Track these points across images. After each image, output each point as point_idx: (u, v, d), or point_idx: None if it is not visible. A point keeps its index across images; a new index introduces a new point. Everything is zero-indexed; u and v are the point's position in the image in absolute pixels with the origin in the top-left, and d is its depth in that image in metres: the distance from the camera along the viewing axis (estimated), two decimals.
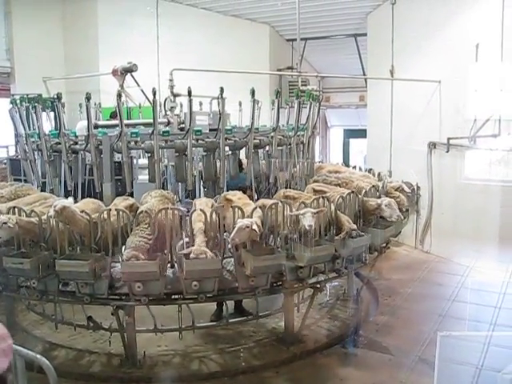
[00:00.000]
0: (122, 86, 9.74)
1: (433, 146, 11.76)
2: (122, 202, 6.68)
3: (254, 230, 5.65)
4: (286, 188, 8.20)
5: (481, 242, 10.16)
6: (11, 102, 8.65)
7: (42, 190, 8.34)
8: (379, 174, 9.71)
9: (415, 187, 10.86)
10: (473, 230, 10.63)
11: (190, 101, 7.59)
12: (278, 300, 7.45)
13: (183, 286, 5.76)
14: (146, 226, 5.98)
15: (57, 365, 1.34)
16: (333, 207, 6.72)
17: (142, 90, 9.98)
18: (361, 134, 17.02)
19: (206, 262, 5.58)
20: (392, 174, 11.87)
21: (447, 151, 11.27)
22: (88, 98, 7.68)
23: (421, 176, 11.75)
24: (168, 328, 6.86)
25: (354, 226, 6.61)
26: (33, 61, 13.61)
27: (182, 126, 8.90)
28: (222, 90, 7.58)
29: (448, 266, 10.60)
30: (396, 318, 8.26)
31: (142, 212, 6.12)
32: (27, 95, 8.75)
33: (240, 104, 10.15)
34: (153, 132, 7.41)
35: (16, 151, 11.01)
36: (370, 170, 10.16)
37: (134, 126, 8.75)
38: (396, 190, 8.40)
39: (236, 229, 5.66)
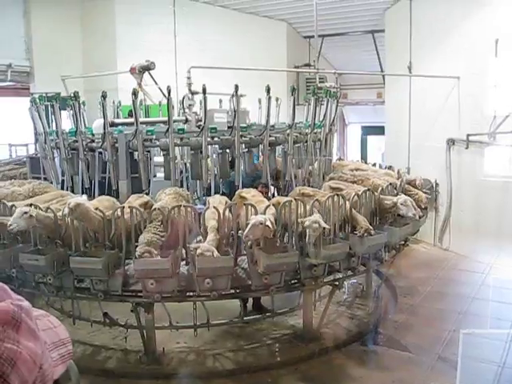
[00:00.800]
0: (140, 85, 9.77)
1: (452, 142, 11.65)
2: (136, 200, 6.73)
3: (268, 226, 5.64)
4: (304, 185, 8.20)
5: (501, 239, 10.06)
6: (31, 101, 8.74)
7: (61, 188, 8.40)
8: (398, 172, 9.64)
9: (434, 184, 10.78)
10: (493, 228, 10.52)
11: (205, 98, 7.61)
12: (298, 297, 7.43)
13: (196, 283, 5.79)
14: (159, 223, 6.00)
15: (77, 361, 1.34)
16: (348, 205, 6.68)
17: (160, 88, 10.00)
18: (378, 130, 16.92)
19: (217, 259, 5.61)
20: (410, 170, 11.79)
21: (466, 148, 11.16)
22: (104, 97, 7.74)
23: (440, 173, 11.67)
24: (183, 325, 6.88)
25: (370, 227, 6.57)
26: (51, 60, 13.70)
27: (200, 123, 8.92)
28: (236, 87, 7.58)
29: (468, 264, 10.50)
30: (415, 315, 8.21)
31: (155, 209, 6.15)
32: (46, 94, 8.82)
33: (259, 101, 10.13)
34: (167, 130, 7.44)
35: (35, 149, 11.11)
36: (390, 167, 10.05)
37: (154, 123, 8.79)
38: (409, 184, 8.40)
39: (250, 225, 5.66)
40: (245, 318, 7.17)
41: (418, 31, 12.44)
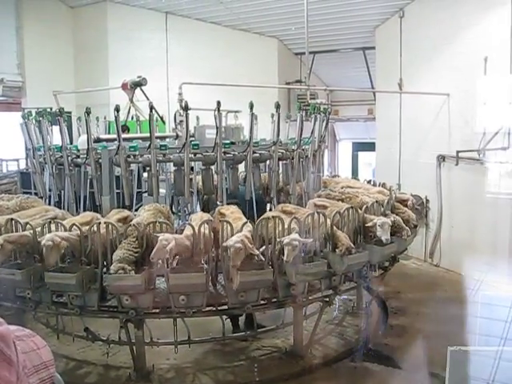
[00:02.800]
0: (131, 100, 9.82)
1: (442, 158, 11.73)
2: (115, 215, 6.75)
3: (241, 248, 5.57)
4: (298, 202, 8.19)
5: (491, 255, 10.09)
6: (22, 117, 8.76)
7: (55, 203, 8.42)
8: (390, 189, 9.56)
9: (424, 200, 10.81)
10: (483, 244, 10.56)
11: (187, 115, 7.65)
12: (291, 314, 7.38)
13: (171, 300, 5.76)
14: (134, 239, 5.97)
15: (64, 377, 1.33)
16: (328, 223, 6.53)
17: (152, 104, 10.02)
18: (369, 147, 17.01)
19: (190, 276, 5.64)
20: (401, 187, 11.85)
21: (456, 164, 11.24)
22: (88, 113, 7.81)
23: (430, 189, 11.73)
24: (163, 341, 6.81)
25: (352, 244, 6.41)
26: (43, 75, 13.73)
27: (192, 139, 8.94)
28: (218, 103, 7.55)
29: (458, 280, 10.53)
30: (406, 332, 8.21)
31: (130, 225, 6.13)
32: (38, 109, 8.84)
33: (256, 118, 10.06)
34: (149, 146, 7.47)
35: (26, 164, 11.10)
36: (384, 184, 9.95)
37: (147, 139, 8.81)
38: (401, 202, 8.32)
39: (231, 253, 5.61)
40: (226, 336, 7.01)
41: (408, 48, 12.57)
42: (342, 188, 8.93)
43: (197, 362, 7.07)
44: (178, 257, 5.98)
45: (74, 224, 6.11)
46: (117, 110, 7.56)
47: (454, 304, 9.03)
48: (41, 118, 8.38)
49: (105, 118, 10.99)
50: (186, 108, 7.61)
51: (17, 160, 13.22)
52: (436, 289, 10.20)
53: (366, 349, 7.52)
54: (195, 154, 7.75)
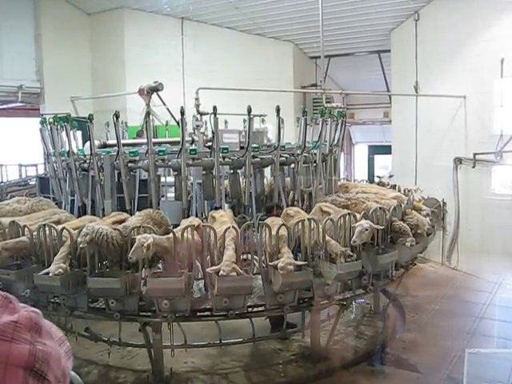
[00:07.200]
0: (148, 105, 9.90)
1: (458, 161, 11.68)
2: (111, 218, 6.85)
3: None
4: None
5: (509, 258, 10.03)
6: (41, 122, 8.92)
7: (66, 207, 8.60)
8: (407, 193, 9.31)
9: (441, 203, 10.77)
10: (501, 246, 10.50)
11: (182, 120, 7.70)
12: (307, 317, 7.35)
13: (155, 304, 5.75)
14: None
15: (85, 380, 1.37)
16: (320, 230, 6.33)
17: (168, 109, 10.13)
18: (385, 150, 16.93)
19: (168, 281, 5.66)
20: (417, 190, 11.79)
21: (473, 166, 11.19)
22: (90, 119, 7.96)
23: (447, 192, 11.67)
24: (164, 345, 6.76)
25: (343, 248, 6.20)
26: (61, 81, 13.90)
27: (209, 144, 8.99)
28: (214, 108, 7.59)
29: (475, 283, 10.46)
30: (423, 335, 8.17)
31: (115, 229, 6.15)
32: (56, 115, 8.99)
33: (283, 121, 10.03)
34: (147, 151, 7.54)
35: (45, 169, 11.25)
36: (409, 190, 9.60)
37: (160, 144, 8.90)
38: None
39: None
40: (223, 341, 6.83)
41: (424, 51, 12.55)
42: (356, 193, 8.81)
43: (214, 365, 7.09)
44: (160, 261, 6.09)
45: (63, 228, 6.18)
46: (116, 116, 7.71)
47: (472, 307, 9.00)
48: (52, 125, 8.56)
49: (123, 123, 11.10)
50: (182, 113, 7.66)
51: (35, 165, 13.40)
52: (453, 292, 10.13)
53: (384, 352, 7.50)
54: (194, 159, 7.80)
